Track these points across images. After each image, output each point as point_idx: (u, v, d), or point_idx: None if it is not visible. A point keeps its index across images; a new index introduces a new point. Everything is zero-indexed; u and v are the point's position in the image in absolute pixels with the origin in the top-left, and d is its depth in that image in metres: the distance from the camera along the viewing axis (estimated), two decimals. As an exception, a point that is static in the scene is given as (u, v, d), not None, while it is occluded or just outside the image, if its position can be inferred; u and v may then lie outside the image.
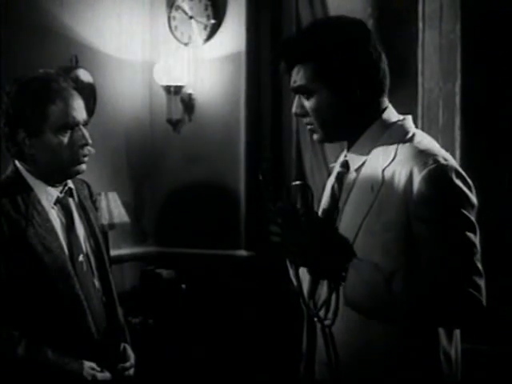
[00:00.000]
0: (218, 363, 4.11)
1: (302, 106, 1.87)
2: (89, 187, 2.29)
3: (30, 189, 2.08)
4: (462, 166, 1.81)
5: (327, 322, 1.85)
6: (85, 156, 2.11)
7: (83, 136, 2.09)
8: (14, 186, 2.08)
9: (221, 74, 4.40)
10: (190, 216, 4.47)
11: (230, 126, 4.37)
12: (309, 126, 1.90)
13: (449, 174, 1.75)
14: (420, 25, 3.93)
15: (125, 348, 2.20)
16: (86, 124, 2.12)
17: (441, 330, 1.79)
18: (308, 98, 1.85)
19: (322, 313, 1.86)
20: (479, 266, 1.73)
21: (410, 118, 1.90)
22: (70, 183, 2.17)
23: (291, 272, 1.91)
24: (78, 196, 2.20)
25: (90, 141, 2.10)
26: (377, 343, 1.79)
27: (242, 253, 4.32)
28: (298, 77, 1.84)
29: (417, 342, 1.78)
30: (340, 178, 1.91)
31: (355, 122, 1.86)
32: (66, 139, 2.07)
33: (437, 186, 1.73)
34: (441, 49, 3.89)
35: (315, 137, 1.90)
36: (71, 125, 2.07)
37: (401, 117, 1.89)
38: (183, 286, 4.30)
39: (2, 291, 2.00)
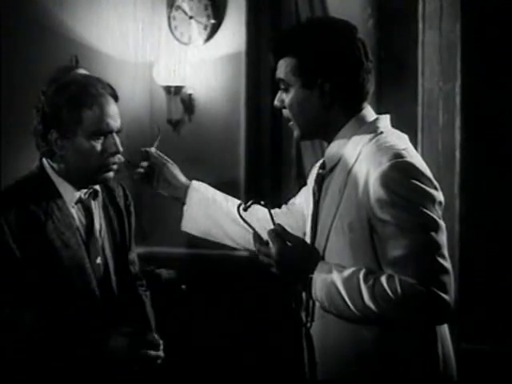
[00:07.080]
0: (218, 363, 4.11)
1: (282, 100, 1.91)
2: (124, 189, 2.30)
3: (53, 185, 2.09)
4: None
5: (307, 325, 1.90)
6: (114, 164, 2.11)
7: (115, 144, 2.09)
8: (36, 180, 2.10)
9: (221, 74, 4.40)
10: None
11: (230, 126, 4.36)
12: (289, 123, 1.93)
13: (403, 173, 1.72)
14: (420, 25, 3.93)
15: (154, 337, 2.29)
16: (119, 132, 2.12)
17: (421, 329, 1.78)
18: (286, 92, 1.89)
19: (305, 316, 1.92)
20: (443, 262, 1.70)
21: (385, 117, 1.89)
22: (96, 186, 2.16)
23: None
24: (106, 199, 2.20)
25: (121, 149, 2.11)
26: (352, 345, 1.79)
27: (242, 253, 4.31)
28: (279, 70, 1.90)
29: (396, 342, 1.78)
30: (318, 179, 1.94)
31: (329, 122, 1.87)
32: (98, 145, 2.07)
33: (391, 186, 1.71)
34: (441, 49, 3.88)
35: (294, 134, 1.94)
36: (105, 132, 2.08)
37: (376, 116, 1.89)
38: (183, 286, 4.30)
39: (19, 283, 2.00)
